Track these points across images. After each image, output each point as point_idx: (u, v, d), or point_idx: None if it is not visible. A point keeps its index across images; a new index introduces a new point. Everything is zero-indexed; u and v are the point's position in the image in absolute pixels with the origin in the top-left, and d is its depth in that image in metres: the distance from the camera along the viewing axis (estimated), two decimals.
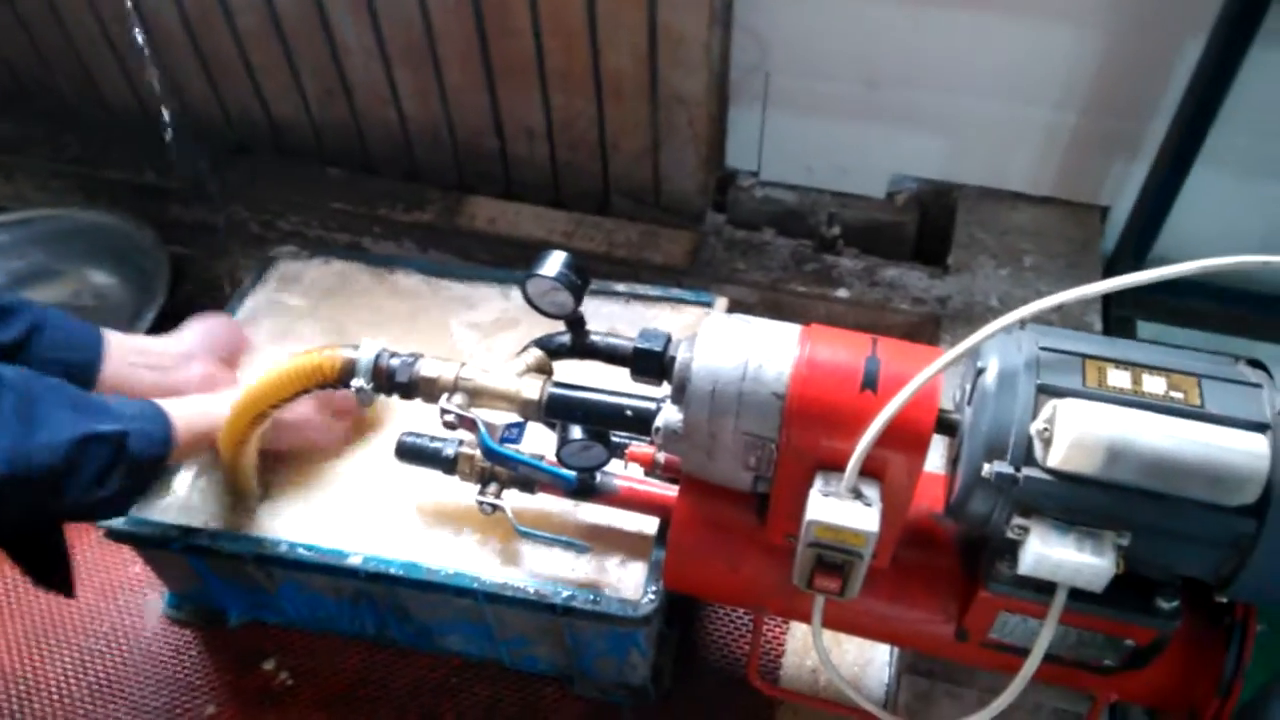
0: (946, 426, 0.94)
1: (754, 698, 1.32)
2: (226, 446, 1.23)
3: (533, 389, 1.11)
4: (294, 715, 1.46)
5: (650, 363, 1.05)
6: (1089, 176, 1.81)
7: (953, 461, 0.99)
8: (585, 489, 1.22)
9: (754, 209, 1.97)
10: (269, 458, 1.33)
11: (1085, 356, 0.90)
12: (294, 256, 1.64)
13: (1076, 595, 0.90)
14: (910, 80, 1.75)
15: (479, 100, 1.87)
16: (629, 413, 1.08)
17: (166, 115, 1.96)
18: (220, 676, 1.50)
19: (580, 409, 1.10)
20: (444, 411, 1.12)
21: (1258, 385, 0.87)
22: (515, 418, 1.16)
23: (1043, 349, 0.90)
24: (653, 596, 1.18)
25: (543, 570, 1.24)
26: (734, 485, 1.01)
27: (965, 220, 1.85)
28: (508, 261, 1.93)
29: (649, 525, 1.25)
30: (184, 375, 1.28)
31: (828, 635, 1.15)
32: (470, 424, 1.12)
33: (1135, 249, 1.74)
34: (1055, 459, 0.85)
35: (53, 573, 1.18)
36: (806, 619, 1.05)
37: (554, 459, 1.14)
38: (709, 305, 1.52)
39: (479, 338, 1.52)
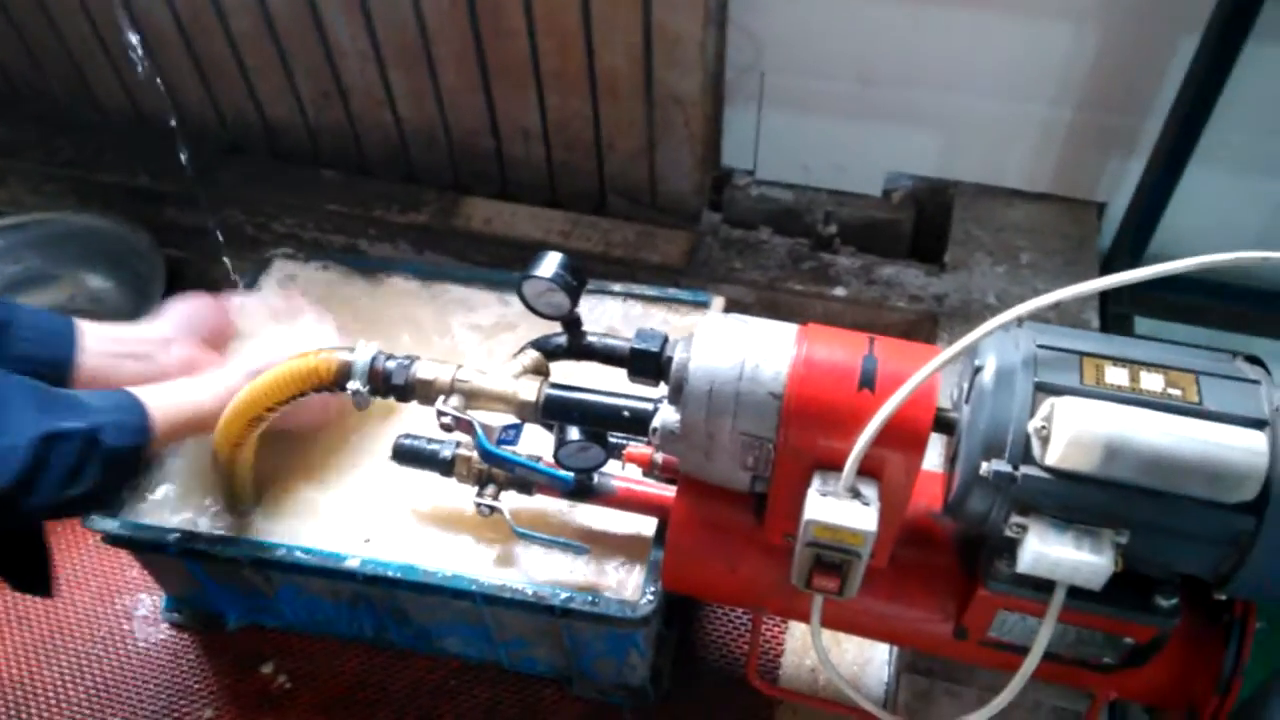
0: (944, 425, 0.94)
1: (753, 697, 1.32)
2: (223, 450, 1.22)
3: (529, 390, 1.10)
4: (293, 718, 1.45)
5: (647, 363, 1.04)
6: (1085, 173, 1.80)
7: (951, 460, 0.98)
8: (583, 490, 1.22)
9: (750, 208, 1.97)
10: (266, 459, 1.33)
11: (1083, 354, 0.90)
12: (289, 258, 1.64)
13: (1075, 593, 0.90)
14: (906, 78, 1.75)
15: (474, 101, 1.87)
16: (626, 413, 1.07)
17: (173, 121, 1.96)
18: (218, 680, 1.50)
19: (577, 410, 1.09)
20: (441, 413, 1.11)
21: (1256, 382, 0.87)
22: (512, 419, 1.16)
23: (1040, 347, 0.90)
24: (651, 597, 1.18)
25: (541, 573, 1.24)
26: (732, 485, 1.01)
27: (962, 217, 1.85)
28: (504, 262, 1.93)
29: (647, 528, 1.25)
30: (166, 360, 1.24)
31: (827, 635, 1.15)
32: (467, 426, 1.12)
33: (1132, 245, 1.74)
34: (1053, 457, 0.84)
35: (31, 573, 1.16)
36: (805, 618, 1.05)
37: (551, 460, 1.14)
38: (706, 305, 1.51)
39: (480, 340, 1.51)
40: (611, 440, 1.13)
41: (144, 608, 1.58)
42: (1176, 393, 0.86)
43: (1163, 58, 1.60)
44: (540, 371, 1.14)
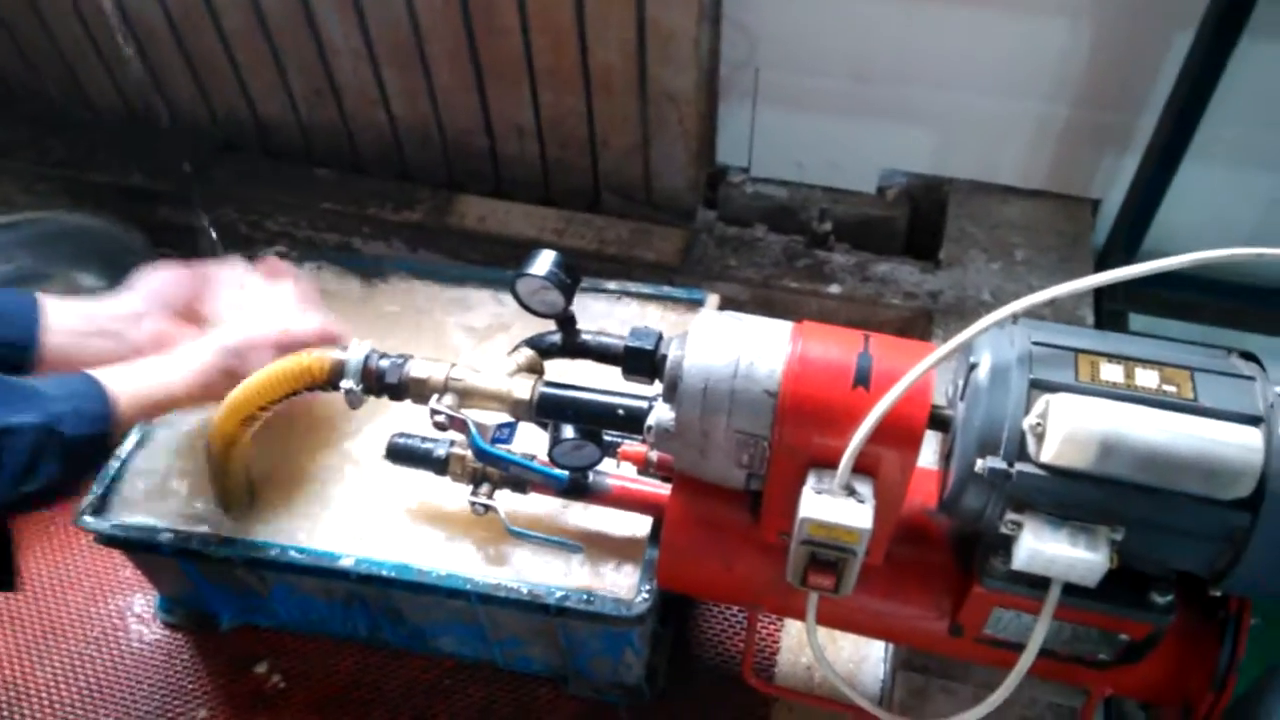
0: (939, 422, 0.94)
1: (749, 695, 1.32)
2: (216, 449, 1.22)
3: (524, 389, 1.10)
4: (287, 718, 1.45)
5: (642, 361, 1.04)
6: (1080, 170, 1.80)
7: (946, 457, 0.98)
8: (578, 488, 1.22)
9: (745, 205, 1.97)
10: (260, 458, 1.32)
11: (1078, 351, 0.89)
12: (282, 257, 1.63)
13: (1070, 590, 0.90)
14: (900, 74, 1.75)
15: (468, 99, 1.86)
16: (621, 411, 1.07)
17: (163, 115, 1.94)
18: (212, 680, 1.49)
19: (571, 408, 1.09)
20: (434, 412, 1.11)
21: (1250, 378, 0.87)
22: (506, 418, 1.16)
23: (1035, 344, 0.90)
24: (646, 595, 1.18)
25: (536, 575, 1.24)
26: (727, 483, 1.01)
27: (956, 214, 1.85)
28: (498, 260, 1.92)
29: (642, 530, 1.25)
30: (137, 337, 1.17)
31: (822, 632, 1.15)
32: (461, 425, 1.11)
33: (1126, 242, 1.74)
34: (1048, 454, 0.84)
35: None
36: (801, 616, 1.05)
37: (546, 459, 1.13)
38: (700, 303, 1.51)
39: (475, 343, 1.51)
40: (606, 438, 1.12)
41: (137, 608, 1.58)
42: (1172, 389, 0.86)
43: (1157, 54, 1.60)
44: (534, 370, 1.14)
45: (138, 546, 1.32)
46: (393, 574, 1.22)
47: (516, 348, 1.15)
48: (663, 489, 1.19)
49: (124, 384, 1.05)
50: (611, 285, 1.54)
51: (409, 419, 1.30)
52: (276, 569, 1.28)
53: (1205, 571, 0.89)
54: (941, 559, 1.04)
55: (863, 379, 0.89)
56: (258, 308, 1.23)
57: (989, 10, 1.63)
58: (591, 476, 1.22)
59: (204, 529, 1.29)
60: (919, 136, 1.84)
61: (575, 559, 1.24)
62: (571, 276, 1.06)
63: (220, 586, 1.42)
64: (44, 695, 1.49)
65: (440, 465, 1.24)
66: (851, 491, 0.90)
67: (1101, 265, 1.79)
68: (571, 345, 1.13)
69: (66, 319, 1.14)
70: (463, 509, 1.25)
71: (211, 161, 2.09)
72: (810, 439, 0.91)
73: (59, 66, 2.08)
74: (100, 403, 1.03)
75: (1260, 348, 0.92)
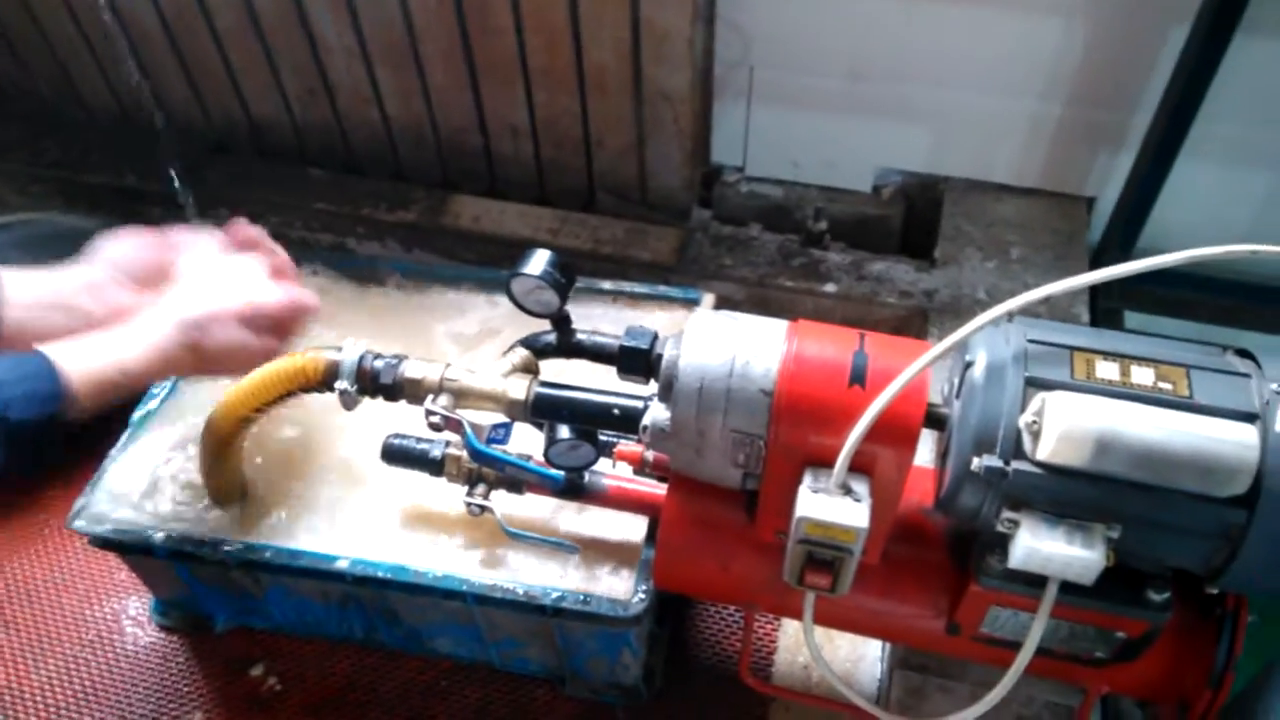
0: (935, 421, 0.94)
1: (747, 695, 1.31)
2: (211, 450, 1.22)
3: (519, 389, 1.10)
4: None
5: (637, 361, 1.04)
6: (1075, 168, 1.81)
7: (942, 456, 0.98)
8: (573, 488, 1.22)
9: (740, 204, 1.96)
10: (254, 459, 1.32)
11: (1073, 349, 0.89)
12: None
13: (1067, 588, 0.90)
14: (895, 73, 1.75)
15: (462, 98, 1.86)
16: (616, 411, 1.07)
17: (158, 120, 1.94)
18: (208, 683, 1.49)
19: (567, 408, 1.09)
20: (429, 413, 1.11)
21: (1246, 375, 0.87)
22: (502, 418, 1.15)
23: (1031, 341, 0.90)
24: (643, 596, 1.18)
25: (533, 577, 1.23)
26: (723, 483, 1.01)
27: (951, 213, 1.85)
28: (493, 260, 1.92)
29: (638, 534, 1.24)
30: (96, 309, 1.09)
31: (819, 632, 1.15)
32: (456, 425, 1.11)
33: (1121, 240, 1.74)
34: (1044, 452, 0.84)
35: None
36: (798, 616, 1.05)
37: (542, 459, 1.13)
38: (696, 302, 1.51)
39: (459, 351, 1.51)
40: (602, 438, 1.12)
41: (132, 610, 1.57)
42: (1167, 387, 0.86)
43: (1151, 52, 1.60)
44: (530, 370, 1.13)
45: (132, 549, 1.31)
46: (389, 575, 1.22)
47: (511, 347, 1.15)
48: (659, 489, 1.19)
49: (79, 361, 0.98)
50: (607, 285, 1.54)
51: (405, 420, 1.30)
52: (271, 571, 1.28)
53: (1202, 569, 0.89)
54: (938, 558, 1.04)
55: (858, 378, 0.89)
56: (223, 277, 1.13)
57: (984, 9, 1.63)
58: (587, 477, 1.22)
59: (199, 531, 1.29)
60: (914, 135, 1.84)
61: (572, 562, 1.24)
62: (566, 276, 1.06)
63: (215, 589, 1.42)
64: (39, 698, 1.48)
65: (436, 466, 1.24)
66: (848, 490, 0.89)
67: (1097, 263, 1.79)
68: (567, 345, 1.13)
69: (24, 292, 1.07)
70: (459, 510, 1.25)
71: (205, 162, 2.09)
72: (806, 438, 0.91)
73: (52, 67, 2.07)
74: (53, 382, 0.97)
75: (1255, 345, 0.92)
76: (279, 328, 1.11)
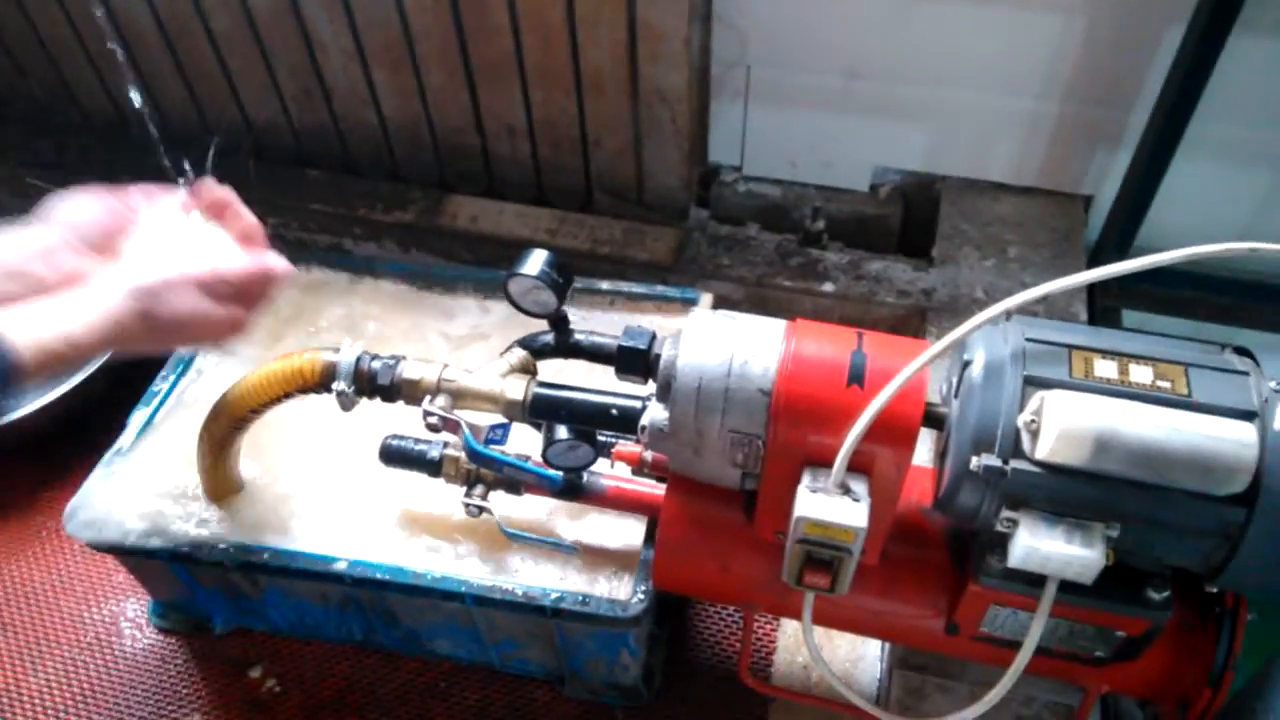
0: (934, 420, 0.94)
1: (746, 695, 1.31)
2: (208, 451, 1.21)
3: (516, 389, 1.10)
4: None
5: (635, 361, 1.04)
6: (1072, 166, 1.81)
7: (941, 455, 0.98)
8: (572, 489, 1.22)
9: (738, 204, 1.96)
10: (252, 459, 1.32)
11: (1071, 347, 0.89)
12: None
13: (1067, 588, 0.90)
14: (892, 72, 1.74)
15: (459, 98, 1.86)
16: (614, 412, 1.07)
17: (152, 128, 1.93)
18: (207, 685, 1.48)
19: (565, 409, 1.09)
20: (427, 414, 1.11)
21: (1244, 373, 0.87)
22: (500, 419, 1.15)
23: (1029, 340, 0.90)
24: (642, 596, 1.18)
25: (533, 580, 1.23)
26: (722, 483, 1.01)
27: (949, 212, 1.85)
28: (491, 260, 1.92)
29: (637, 540, 1.24)
30: (47, 275, 1.00)
31: (819, 631, 1.15)
32: (454, 426, 1.11)
33: (1119, 238, 1.74)
34: (1043, 451, 0.84)
35: None
36: (797, 616, 1.04)
37: (540, 459, 1.13)
38: (694, 302, 1.51)
39: (450, 349, 1.51)
40: (600, 439, 1.12)
41: (131, 613, 1.57)
42: (1166, 385, 0.86)
43: (1148, 50, 1.60)
44: (527, 370, 1.13)
45: (130, 551, 1.31)
46: (387, 576, 1.21)
47: (509, 348, 1.15)
48: (657, 489, 1.19)
49: (25, 332, 0.90)
50: (605, 285, 1.54)
51: (403, 421, 1.30)
52: (269, 572, 1.28)
53: (1201, 567, 0.89)
54: (937, 557, 1.04)
55: (857, 377, 0.89)
56: (185, 241, 1.05)
57: (981, 8, 1.62)
58: (586, 477, 1.22)
59: (197, 533, 1.29)
60: (911, 134, 1.84)
61: (572, 569, 1.24)
62: (564, 276, 1.06)
63: (213, 591, 1.41)
64: (38, 701, 1.48)
65: (434, 467, 1.24)
66: (846, 490, 0.89)
67: (1094, 261, 1.79)
68: (565, 345, 1.13)
69: None
70: (457, 511, 1.25)
71: (200, 164, 2.08)
72: (805, 438, 0.91)
73: (46, 68, 2.07)
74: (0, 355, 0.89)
75: (1254, 343, 0.92)
76: (244, 296, 1.02)
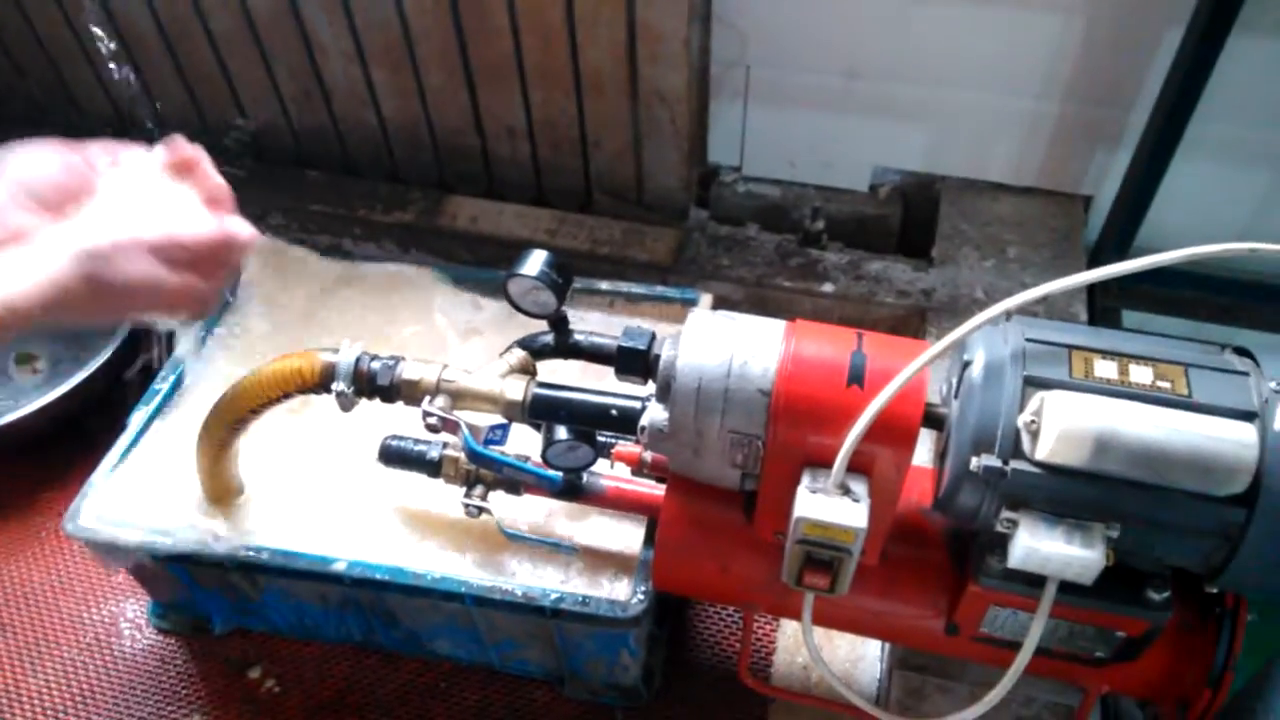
0: (934, 420, 0.94)
1: (746, 696, 1.31)
2: (206, 452, 1.21)
3: (516, 390, 1.10)
4: None
5: (635, 361, 1.04)
6: (1071, 166, 1.80)
7: (940, 455, 0.98)
8: (571, 489, 1.22)
9: (737, 204, 1.96)
10: (250, 460, 1.31)
11: (1071, 347, 0.89)
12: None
13: (1067, 588, 0.90)
14: (892, 72, 1.74)
15: (459, 99, 1.86)
16: (614, 412, 1.07)
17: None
18: (206, 685, 1.48)
19: (564, 409, 1.09)
20: (427, 414, 1.11)
21: (1244, 373, 0.87)
22: (499, 419, 1.15)
23: (1029, 340, 0.90)
24: (642, 597, 1.18)
25: (532, 580, 1.23)
26: (722, 483, 1.01)
27: (948, 212, 1.85)
28: (491, 261, 1.92)
29: (636, 543, 1.24)
30: None
31: (818, 632, 1.15)
32: (453, 426, 1.11)
33: (1119, 238, 1.74)
34: (1043, 451, 0.84)
35: None
36: (797, 616, 1.04)
37: (539, 460, 1.13)
38: (694, 302, 1.51)
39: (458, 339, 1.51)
40: (600, 439, 1.12)
41: (130, 613, 1.57)
42: (1166, 385, 0.86)
43: (1148, 50, 1.60)
44: (527, 371, 1.13)
45: (130, 552, 1.31)
46: (387, 577, 1.21)
47: (509, 348, 1.15)
48: (657, 490, 1.19)
49: None
50: (604, 285, 1.54)
51: (401, 421, 1.29)
52: (269, 573, 1.28)
53: (1201, 568, 0.89)
54: (937, 558, 1.04)
55: (856, 377, 0.89)
56: (142, 201, 0.95)
57: (981, 7, 1.62)
58: (585, 478, 1.22)
59: (196, 534, 1.29)
60: (911, 134, 1.84)
61: (573, 572, 1.24)
62: (564, 276, 1.06)
63: (212, 591, 1.41)
64: (37, 702, 1.48)
65: (433, 468, 1.24)
66: (846, 490, 0.89)
67: (1094, 262, 1.79)
68: (564, 346, 1.13)
69: None
70: (456, 512, 1.24)
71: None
72: (804, 438, 0.91)
73: (45, 69, 2.07)
74: None
75: (1254, 343, 0.92)
76: (203, 264, 0.92)
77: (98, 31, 1.88)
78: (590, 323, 1.51)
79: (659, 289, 1.54)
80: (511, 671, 1.44)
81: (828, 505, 0.88)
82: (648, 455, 1.16)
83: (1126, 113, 1.68)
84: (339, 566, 1.22)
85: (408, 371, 1.13)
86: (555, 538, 1.26)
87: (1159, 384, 0.86)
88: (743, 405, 0.92)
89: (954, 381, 0.95)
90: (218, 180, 0.98)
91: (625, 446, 1.18)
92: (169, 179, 0.97)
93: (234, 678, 1.48)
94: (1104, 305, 1.77)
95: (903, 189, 1.92)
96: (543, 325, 1.13)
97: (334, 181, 2.04)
